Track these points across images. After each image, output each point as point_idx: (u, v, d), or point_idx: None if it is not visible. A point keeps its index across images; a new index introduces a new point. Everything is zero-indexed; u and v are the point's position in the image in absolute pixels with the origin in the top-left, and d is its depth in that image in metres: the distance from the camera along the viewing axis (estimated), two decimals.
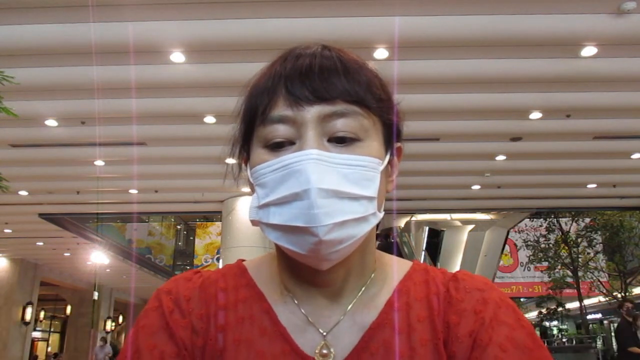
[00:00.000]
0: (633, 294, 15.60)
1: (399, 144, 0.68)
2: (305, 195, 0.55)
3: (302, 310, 0.65)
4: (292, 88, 0.60)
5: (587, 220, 15.50)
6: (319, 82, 0.59)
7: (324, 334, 0.63)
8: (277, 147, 0.60)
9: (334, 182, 0.56)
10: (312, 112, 0.59)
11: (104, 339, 12.99)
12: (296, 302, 0.66)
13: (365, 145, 0.60)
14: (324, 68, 0.60)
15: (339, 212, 0.56)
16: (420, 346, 0.61)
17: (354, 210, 0.58)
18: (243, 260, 0.74)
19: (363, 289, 0.67)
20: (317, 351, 0.62)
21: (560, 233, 15.37)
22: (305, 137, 0.58)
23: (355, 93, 0.60)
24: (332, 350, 0.62)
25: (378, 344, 0.62)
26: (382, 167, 0.62)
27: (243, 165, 0.69)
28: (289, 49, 0.66)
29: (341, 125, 0.59)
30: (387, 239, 12.52)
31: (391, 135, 0.66)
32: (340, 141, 0.59)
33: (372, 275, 0.68)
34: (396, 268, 0.71)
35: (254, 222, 0.63)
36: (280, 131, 0.60)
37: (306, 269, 0.63)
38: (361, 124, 0.60)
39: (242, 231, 8.40)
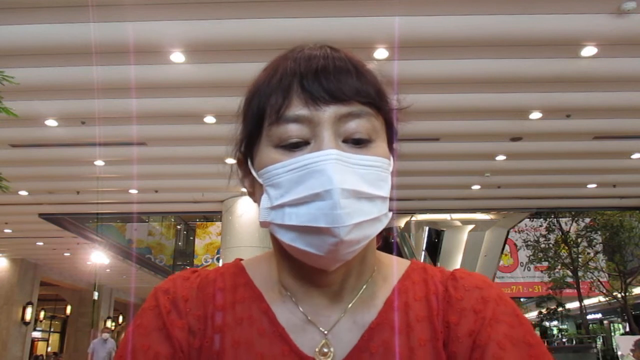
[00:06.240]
0: (633, 294, 15.61)
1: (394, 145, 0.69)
2: (328, 196, 0.55)
3: (301, 310, 0.65)
4: (308, 87, 0.59)
5: (587, 220, 15.49)
6: (334, 82, 0.59)
7: (325, 332, 0.63)
8: (292, 147, 0.59)
9: (353, 182, 0.56)
10: (328, 112, 0.58)
11: (107, 330, 11.15)
12: (295, 301, 0.65)
13: (377, 146, 0.61)
14: (338, 68, 0.60)
15: (359, 213, 0.56)
16: (419, 346, 0.61)
17: (371, 211, 0.58)
18: (241, 260, 0.74)
19: (363, 288, 0.66)
20: (317, 350, 0.62)
21: (560, 233, 15.36)
22: (322, 137, 0.58)
23: (367, 94, 0.60)
24: (332, 349, 0.62)
25: (377, 343, 0.62)
26: (392, 168, 0.63)
27: (240, 165, 0.68)
28: (292, 49, 0.65)
29: (356, 126, 0.59)
30: (386, 241, 12.51)
31: (392, 136, 0.66)
32: (356, 142, 0.59)
33: (372, 274, 0.68)
34: (395, 267, 0.70)
35: (264, 224, 0.62)
36: (295, 131, 0.59)
37: (307, 269, 0.62)
38: (373, 125, 0.61)
39: (242, 231, 8.40)
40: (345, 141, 0.59)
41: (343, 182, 0.55)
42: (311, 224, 0.56)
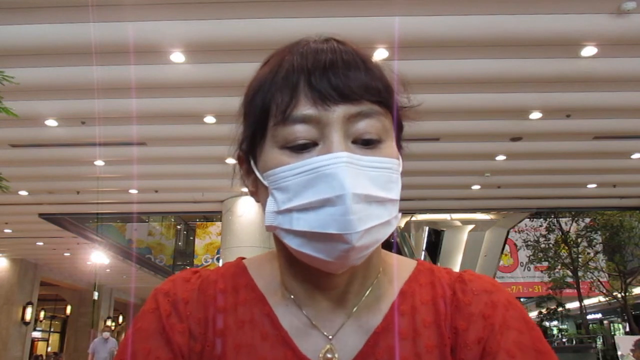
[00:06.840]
0: (633, 294, 15.61)
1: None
2: (339, 201, 0.52)
3: (305, 313, 0.63)
4: (316, 85, 0.55)
5: (587, 220, 15.49)
6: (343, 79, 0.56)
7: (330, 337, 0.61)
8: (300, 148, 0.56)
9: (365, 186, 0.54)
10: (337, 112, 0.55)
11: (108, 328, 10.97)
12: (298, 304, 0.63)
13: (387, 147, 0.58)
14: (346, 63, 0.57)
15: (370, 218, 0.54)
16: (426, 352, 0.59)
17: (381, 215, 0.56)
18: (243, 258, 0.71)
19: (368, 291, 0.64)
20: (321, 355, 0.60)
21: (560, 233, 15.35)
22: (331, 139, 0.55)
23: (377, 92, 0.57)
24: (336, 355, 0.60)
25: (383, 349, 0.60)
26: (401, 168, 0.60)
27: (242, 164, 0.65)
28: (297, 42, 0.61)
29: (366, 127, 0.56)
30: (387, 240, 12.52)
31: (400, 135, 0.64)
32: (366, 143, 0.56)
33: (378, 276, 0.66)
34: (401, 268, 0.68)
35: (270, 228, 0.59)
36: (303, 132, 0.55)
37: (311, 272, 0.60)
38: (383, 125, 0.58)
39: (242, 231, 8.40)
40: (354, 142, 0.56)
41: (355, 187, 0.52)
42: (321, 230, 0.53)
